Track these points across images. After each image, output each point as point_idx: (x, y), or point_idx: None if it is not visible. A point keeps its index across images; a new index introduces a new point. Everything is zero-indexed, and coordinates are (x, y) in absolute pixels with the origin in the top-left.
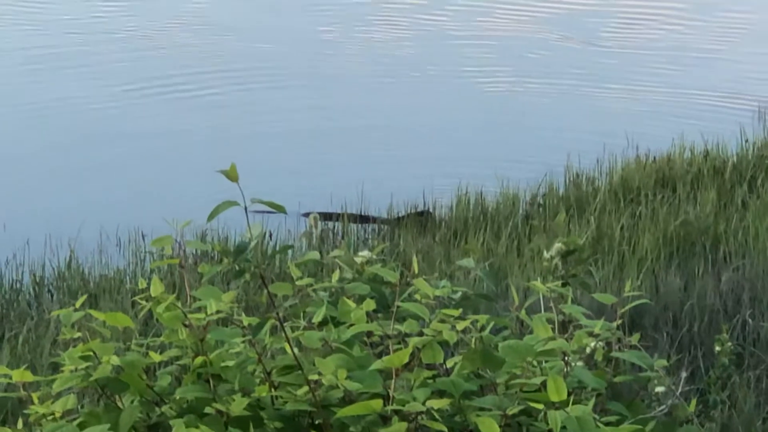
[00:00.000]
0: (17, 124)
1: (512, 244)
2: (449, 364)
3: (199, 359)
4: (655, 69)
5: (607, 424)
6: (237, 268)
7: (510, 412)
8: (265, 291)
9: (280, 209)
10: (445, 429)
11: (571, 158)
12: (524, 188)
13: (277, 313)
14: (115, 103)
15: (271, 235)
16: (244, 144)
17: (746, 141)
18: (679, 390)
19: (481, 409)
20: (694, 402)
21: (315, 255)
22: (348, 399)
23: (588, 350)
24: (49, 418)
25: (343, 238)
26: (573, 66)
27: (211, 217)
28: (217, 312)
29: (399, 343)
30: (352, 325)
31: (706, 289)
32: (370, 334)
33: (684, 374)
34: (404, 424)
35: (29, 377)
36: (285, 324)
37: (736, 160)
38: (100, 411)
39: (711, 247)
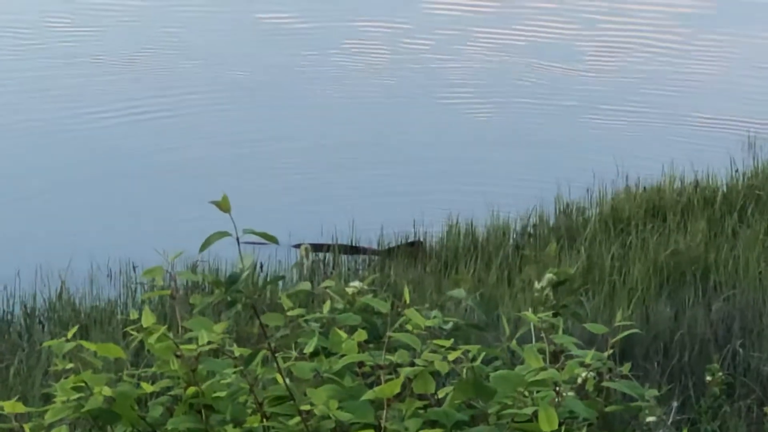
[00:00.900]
0: (8, 150)
1: (503, 274)
2: (441, 394)
3: (191, 390)
4: (644, 96)
5: None
6: (229, 298)
7: None
8: (257, 322)
9: (272, 240)
10: None
11: (561, 188)
12: (515, 218)
13: (269, 344)
14: (106, 132)
15: (262, 266)
16: (234, 174)
17: (736, 171)
18: (670, 420)
19: None
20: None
21: (306, 285)
22: (340, 429)
23: (579, 380)
24: None
25: (334, 268)
26: (561, 93)
27: (203, 248)
28: (209, 343)
29: (390, 373)
30: (343, 355)
31: (697, 319)
32: (361, 364)
33: (675, 404)
34: None
35: (21, 408)
36: (276, 354)
37: (726, 190)
38: None
39: (701, 277)
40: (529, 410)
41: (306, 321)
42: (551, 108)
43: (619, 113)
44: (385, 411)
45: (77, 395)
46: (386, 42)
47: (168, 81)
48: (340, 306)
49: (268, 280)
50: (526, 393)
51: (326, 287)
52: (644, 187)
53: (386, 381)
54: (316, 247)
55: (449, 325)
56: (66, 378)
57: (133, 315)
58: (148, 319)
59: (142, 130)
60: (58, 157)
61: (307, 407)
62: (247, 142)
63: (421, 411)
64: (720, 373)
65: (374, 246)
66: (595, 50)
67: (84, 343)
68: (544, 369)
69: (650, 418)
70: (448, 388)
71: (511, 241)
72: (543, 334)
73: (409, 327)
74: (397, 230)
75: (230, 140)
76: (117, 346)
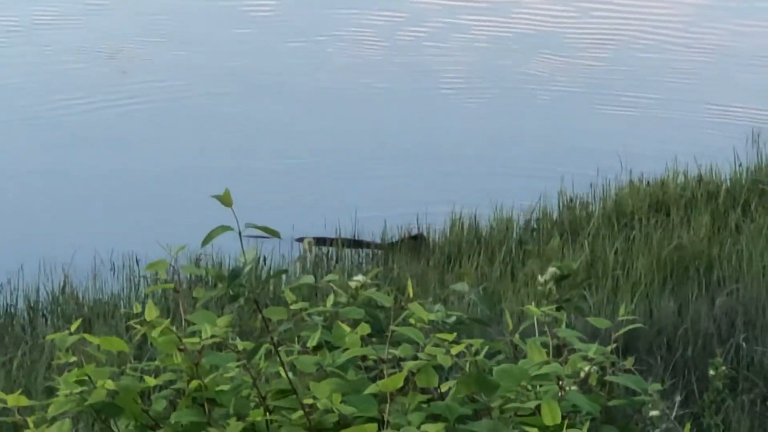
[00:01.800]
0: (10, 145)
1: (506, 268)
2: (444, 388)
3: (194, 383)
4: (647, 89)
5: None
6: (231, 292)
7: None
8: (260, 315)
9: (274, 234)
10: None
11: (564, 182)
12: (518, 213)
13: (272, 338)
14: (108, 125)
15: (265, 260)
16: (236, 168)
17: (740, 165)
18: (674, 414)
19: None
20: (688, 426)
21: (309, 279)
22: (343, 423)
23: (582, 374)
24: None
25: (337, 262)
26: (564, 86)
27: (205, 242)
28: (212, 336)
29: (393, 367)
30: (346, 349)
31: (700, 313)
32: (364, 358)
33: (678, 398)
34: None
35: (24, 402)
36: (279, 348)
37: (730, 185)
38: None
39: (705, 272)
40: (532, 404)
41: (309, 315)
42: (554, 101)
43: (622, 107)
44: (388, 405)
45: (80, 388)
46: (384, 34)
47: (170, 72)
48: (343, 300)
49: (271, 273)
50: (529, 387)
51: (329, 281)
52: (648, 182)
53: (389, 375)
54: (319, 241)
55: (452, 319)
56: (69, 371)
57: (137, 308)
58: (151, 312)
59: (145, 123)
60: (61, 151)
61: (310, 401)
62: (250, 136)
63: (424, 405)
64: (723, 368)
65: (377, 240)
66: (598, 42)
67: (87, 336)
68: (547, 363)
69: (653, 413)
70: (451, 382)
71: (514, 235)
72: (546, 328)
73: (412, 321)
74: (401, 224)
75: (233, 133)
76: (120, 339)
